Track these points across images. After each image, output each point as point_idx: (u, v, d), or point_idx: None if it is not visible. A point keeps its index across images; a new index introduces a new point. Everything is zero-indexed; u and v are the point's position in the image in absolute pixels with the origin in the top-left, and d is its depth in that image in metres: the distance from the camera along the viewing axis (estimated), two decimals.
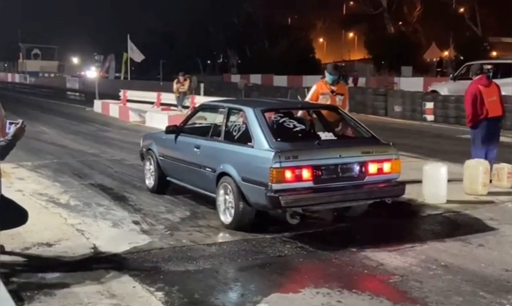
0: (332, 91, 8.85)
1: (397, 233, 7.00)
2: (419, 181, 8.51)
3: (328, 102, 8.69)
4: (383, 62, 49.16)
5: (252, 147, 6.82)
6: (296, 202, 6.51)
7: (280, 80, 40.29)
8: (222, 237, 6.81)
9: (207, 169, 7.48)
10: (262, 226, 6.86)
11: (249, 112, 7.14)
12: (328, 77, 8.94)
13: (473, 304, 4.84)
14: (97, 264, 5.81)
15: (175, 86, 21.88)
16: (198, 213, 7.79)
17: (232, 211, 6.93)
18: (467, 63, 22.71)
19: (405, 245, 6.37)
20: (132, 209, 8.00)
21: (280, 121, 7.52)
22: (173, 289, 5.12)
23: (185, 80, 21.75)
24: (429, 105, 20.75)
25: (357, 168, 6.82)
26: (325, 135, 7.15)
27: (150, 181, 9.05)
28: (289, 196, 6.38)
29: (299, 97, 8.90)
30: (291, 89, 9.04)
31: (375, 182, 6.98)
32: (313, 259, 6.01)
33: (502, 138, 10.05)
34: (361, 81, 39.03)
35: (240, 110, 7.52)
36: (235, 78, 45.70)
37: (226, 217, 7.07)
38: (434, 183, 8.32)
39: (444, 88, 22.50)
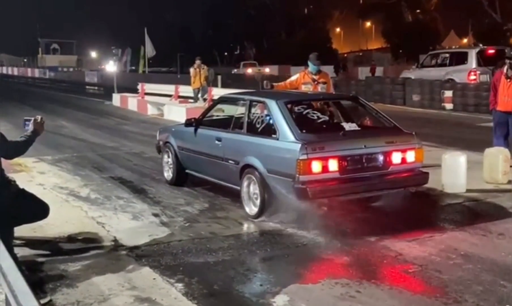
0: (314, 80, 8.98)
1: (416, 222, 6.97)
2: (438, 170, 8.46)
3: (311, 91, 8.83)
4: (400, 51, 48.78)
5: (277, 139, 6.84)
6: (323, 193, 6.56)
7: (297, 71, 40.10)
8: (241, 228, 6.85)
9: (230, 161, 7.51)
10: (281, 216, 6.87)
11: (272, 104, 7.15)
12: (311, 67, 9.11)
13: (494, 293, 4.81)
14: (117, 256, 5.87)
15: (192, 71, 21.71)
16: (216, 205, 7.82)
17: (257, 202, 6.97)
18: (430, 52, 26.54)
19: (425, 234, 6.35)
20: (151, 202, 8.06)
21: (304, 112, 7.54)
22: (193, 281, 5.16)
23: (200, 65, 21.42)
24: (448, 93, 20.56)
25: (381, 158, 6.85)
26: (349, 126, 7.15)
27: (168, 174, 9.10)
28: (316, 187, 6.41)
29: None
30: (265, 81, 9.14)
31: (399, 172, 7.01)
32: (332, 249, 6.00)
33: None
34: (379, 71, 38.91)
35: (263, 102, 7.54)
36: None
37: (251, 208, 7.11)
38: (453, 172, 8.26)
39: (411, 75, 24.35)
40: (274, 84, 9.30)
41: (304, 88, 8.92)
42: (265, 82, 9.25)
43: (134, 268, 5.51)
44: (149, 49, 40.90)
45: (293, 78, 9.34)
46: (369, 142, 6.86)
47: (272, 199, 6.82)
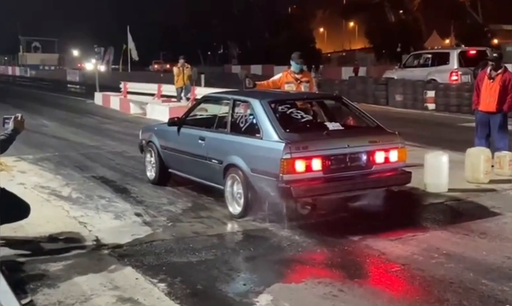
0: (297, 79, 8.98)
1: (398, 222, 7.00)
2: (421, 170, 8.50)
3: (294, 90, 8.81)
4: (384, 51, 49.04)
5: (261, 138, 6.83)
6: (307, 193, 6.58)
7: (281, 71, 40.04)
8: (224, 228, 6.83)
9: (213, 160, 7.48)
10: (265, 217, 6.87)
11: (256, 103, 7.14)
12: (294, 66, 9.08)
13: (475, 292, 4.84)
14: (99, 256, 5.82)
15: (175, 70, 21.59)
16: (199, 204, 7.80)
17: (240, 201, 6.97)
18: (412, 53, 27.26)
19: (407, 234, 6.38)
20: (134, 201, 8.01)
21: (287, 112, 7.54)
22: (176, 280, 5.14)
23: (184, 64, 21.25)
24: (430, 93, 20.74)
25: (364, 157, 6.87)
26: (332, 125, 7.16)
27: (151, 173, 9.05)
28: (299, 187, 6.42)
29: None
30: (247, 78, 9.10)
31: (382, 171, 7.04)
32: (315, 249, 6.01)
33: None
34: (362, 71, 39.08)
35: (246, 101, 7.53)
36: (236, 68, 45.72)
37: (235, 208, 7.10)
38: (435, 172, 8.31)
39: (394, 75, 24.73)
40: (256, 82, 9.27)
41: (287, 88, 8.91)
42: (247, 80, 9.20)
43: (117, 268, 5.47)
44: (133, 50, 40.86)
45: (276, 77, 9.33)
46: (352, 142, 6.88)
47: (256, 199, 6.82)
